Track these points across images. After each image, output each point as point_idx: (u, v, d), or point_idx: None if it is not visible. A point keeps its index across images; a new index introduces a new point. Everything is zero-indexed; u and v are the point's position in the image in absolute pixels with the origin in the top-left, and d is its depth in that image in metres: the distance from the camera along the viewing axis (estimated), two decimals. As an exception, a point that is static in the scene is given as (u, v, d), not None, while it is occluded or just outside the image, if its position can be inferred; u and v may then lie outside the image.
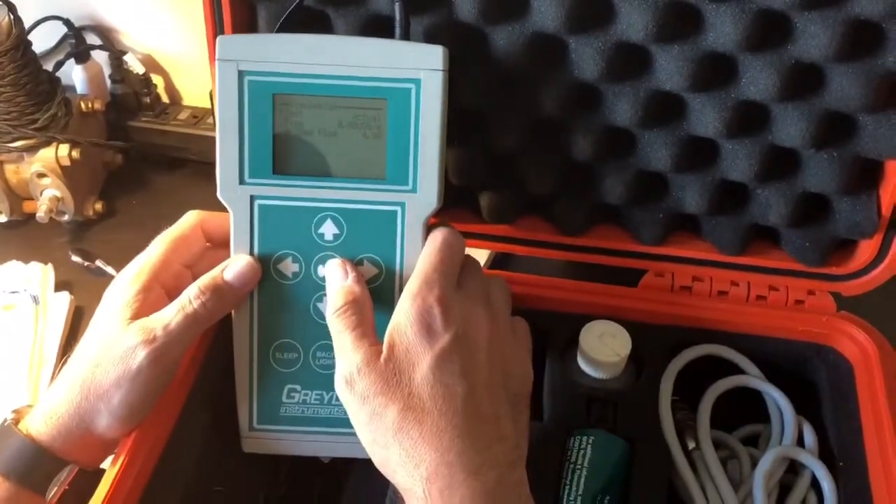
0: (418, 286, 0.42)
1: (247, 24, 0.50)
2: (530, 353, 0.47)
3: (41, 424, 0.43)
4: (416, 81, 0.44)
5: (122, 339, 0.43)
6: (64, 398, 0.43)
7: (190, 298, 0.44)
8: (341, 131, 0.44)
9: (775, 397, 0.53)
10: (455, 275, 0.44)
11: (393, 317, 0.42)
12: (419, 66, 0.44)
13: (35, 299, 0.73)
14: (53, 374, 0.68)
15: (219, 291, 0.45)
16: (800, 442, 0.52)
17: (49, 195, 0.80)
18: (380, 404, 0.40)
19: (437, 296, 0.42)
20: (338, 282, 0.44)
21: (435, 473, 0.39)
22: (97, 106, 0.84)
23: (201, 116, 0.90)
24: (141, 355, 0.42)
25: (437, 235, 0.45)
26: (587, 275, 0.58)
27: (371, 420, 0.40)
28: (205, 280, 0.45)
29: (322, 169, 0.45)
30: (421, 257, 0.44)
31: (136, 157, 0.90)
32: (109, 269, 0.77)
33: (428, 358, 0.40)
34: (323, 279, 0.46)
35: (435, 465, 0.39)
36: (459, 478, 0.39)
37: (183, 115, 0.90)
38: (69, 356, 0.45)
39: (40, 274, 0.76)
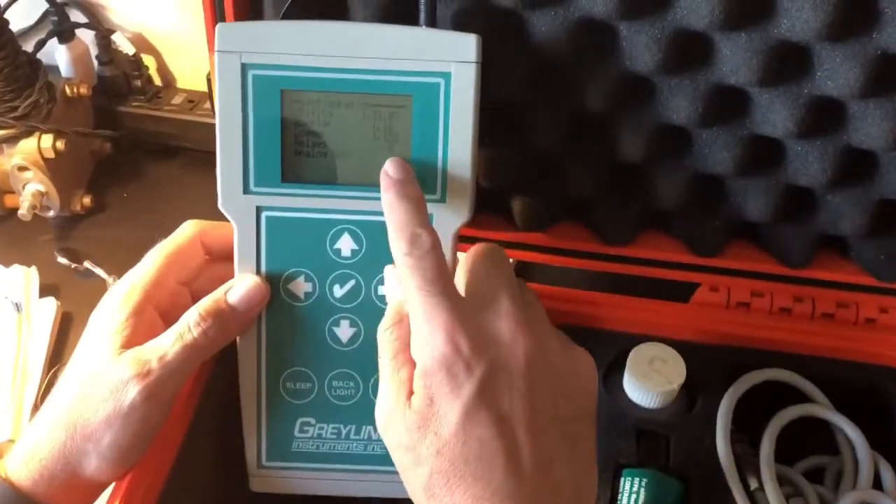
0: (446, 318, 0.36)
1: (251, 9, 0.47)
2: (589, 359, 0.40)
3: (21, 467, 0.40)
4: (446, 75, 0.40)
5: (112, 371, 0.40)
6: (47, 437, 0.40)
7: (189, 325, 0.41)
8: (360, 132, 0.41)
9: (846, 430, 0.49)
10: (488, 298, 0.38)
11: (418, 354, 0.37)
12: (449, 57, 0.40)
13: (17, 307, 0.70)
14: (39, 389, 0.65)
15: (222, 317, 0.42)
16: (875, 479, 0.48)
17: (32, 190, 0.76)
18: (410, 461, 0.36)
19: (467, 327, 0.36)
20: (395, 289, 0.41)
21: None
22: (83, 90, 0.80)
23: (197, 101, 0.87)
24: (134, 391, 0.39)
25: (474, 251, 0.41)
26: (624, 288, 0.55)
27: (405, 473, 0.37)
28: (206, 304, 0.42)
29: (338, 176, 0.42)
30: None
31: (127, 145, 0.87)
32: (99, 271, 0.74)
33: (457, 408, 0.35)
34: (339, 300, 0.43)
35: None
36: None
37: (177, 100, 0.87)
38: (57, 370, 0.43)
39: (23, 278, 0.72)
